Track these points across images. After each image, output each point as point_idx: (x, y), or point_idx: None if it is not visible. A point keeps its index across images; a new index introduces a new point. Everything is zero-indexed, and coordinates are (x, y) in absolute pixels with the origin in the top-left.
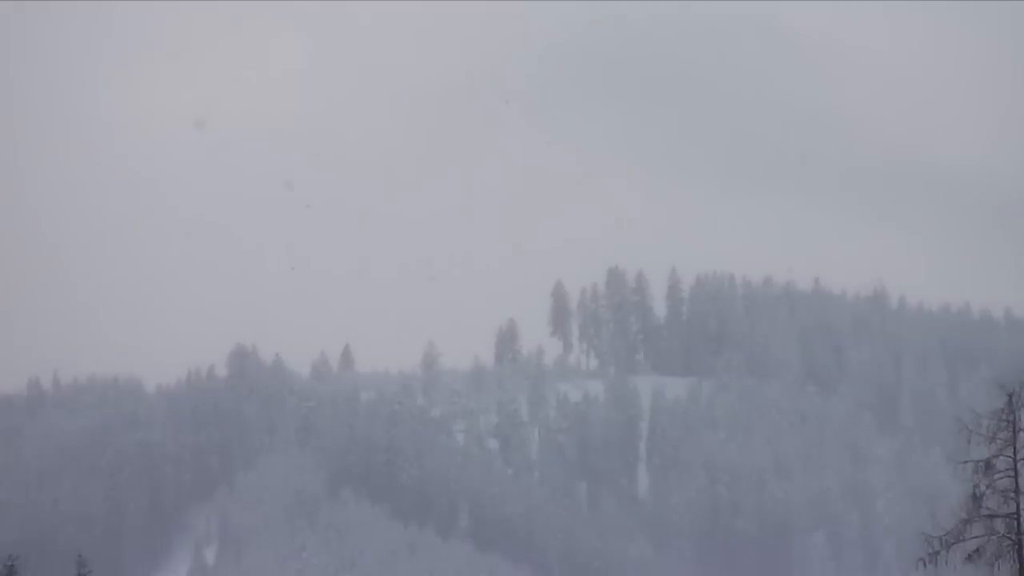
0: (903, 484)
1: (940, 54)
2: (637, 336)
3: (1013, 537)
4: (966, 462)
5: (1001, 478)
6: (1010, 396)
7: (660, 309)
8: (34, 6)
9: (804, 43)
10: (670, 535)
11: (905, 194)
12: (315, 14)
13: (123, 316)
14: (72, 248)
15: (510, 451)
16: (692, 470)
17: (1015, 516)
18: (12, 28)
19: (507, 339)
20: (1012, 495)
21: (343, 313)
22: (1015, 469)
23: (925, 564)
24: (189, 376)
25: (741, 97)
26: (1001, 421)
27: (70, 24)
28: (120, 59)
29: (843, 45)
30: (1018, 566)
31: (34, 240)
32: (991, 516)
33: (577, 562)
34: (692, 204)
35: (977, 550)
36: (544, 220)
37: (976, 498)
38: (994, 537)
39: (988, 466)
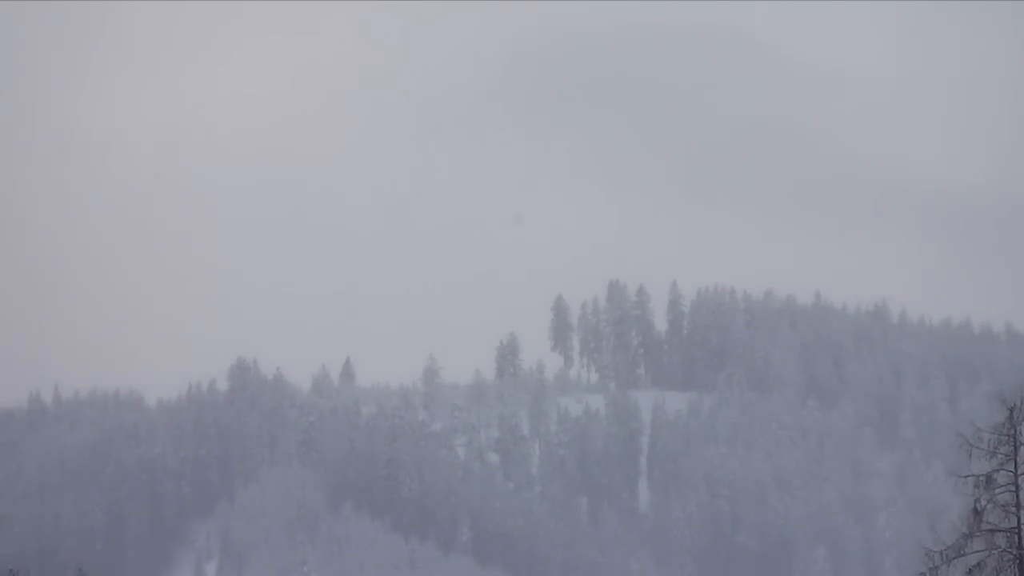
0: (904, 498)
1: (941, 68)
2: (638, 350)
3: (1014, 552)
4: (967, 476)
5: (1002, 492)
6: (1011, 410)
7: (661, 323)
8: (28, 7)
9: (801, 63)
10: (671, 549)
11: (906, 209)
12: (298, 33)
13: (124, 330)
14: (73, 262)
15: (511, 465)
16: (693, 484)
17: (1016, 531)
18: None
19: (508, 353)
20: (1013, 509)
21: (344, 327)
22: (1016, 483)
23: None
24: (190, 390)
25: (739, 114)
26: (1002, 435)
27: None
28: (121, 70)
29: (841, 63)
30: None
31: (35, 254)
32: (992, 530)
33: None
34: (693, 219)
35: (978, 564)
36: (544, 234)
37: (977, 512)
38: (995, 552)
39: (989, 480)
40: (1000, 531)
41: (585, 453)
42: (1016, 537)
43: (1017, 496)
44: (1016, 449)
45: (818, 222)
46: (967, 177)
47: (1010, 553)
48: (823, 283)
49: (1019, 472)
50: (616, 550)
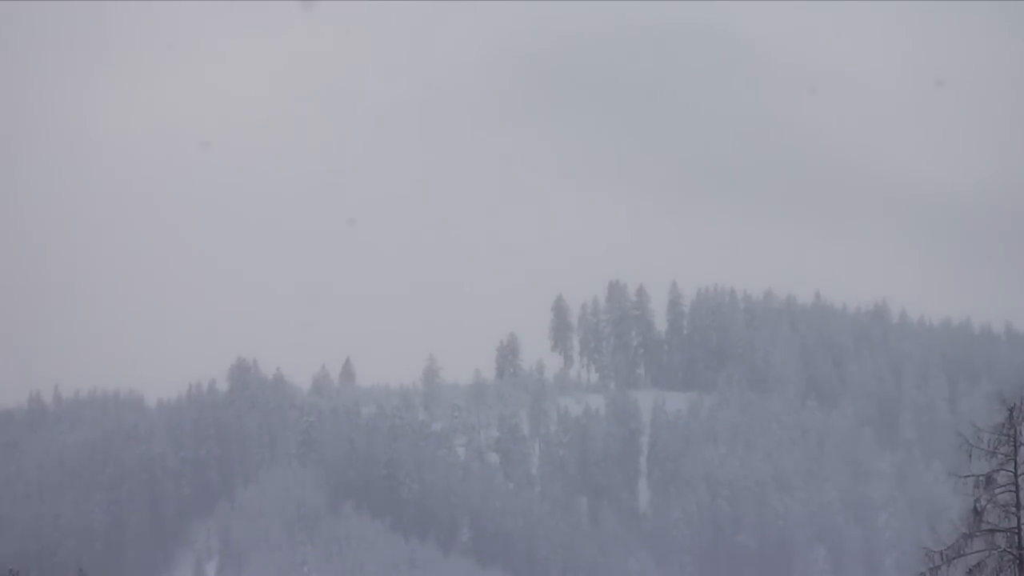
0: (904, 498)
1: (940, 68)
2: (638, 350)
3: (1014, 552)
4: (967, 476)
5: (1002, 492)
6: (1011, 410)
7: (661, 323)
8: (27, 6)
9: (800, 64)
10: (671, 549)
11: (906, 209)
12: (296, 33)
13: (124, 331)
14: (73, 263)
15: (511, 465)
16: (693, 484)
17: (1016, 531)
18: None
19: (508, 353)
20: (1013, 509)
21: (344, 327)
22: (1016, 483)
23: None
24: (190, 390)
25: (738, 114)
26: (1002, 435)
27: (62, 27)
28: (116, 70)
29: (840, 63)
30: None
31: (35, 254)
32: (992, 530)
33: None
34: (693, 219)
35: (978, 565)
36: (545, 234)
37: (977, 512)
38: (995, 552)
39: (989, 480)
40: (1000, 531)
41: (585, 453)
42: (1016, 537)
43: (1017, 496)
44: (1016, 449)
45: (818, 222)
46: (967, 177)
47: (1010, 553)
48: (823, 283)
49: (1019, 472)
50: (616, 550)
